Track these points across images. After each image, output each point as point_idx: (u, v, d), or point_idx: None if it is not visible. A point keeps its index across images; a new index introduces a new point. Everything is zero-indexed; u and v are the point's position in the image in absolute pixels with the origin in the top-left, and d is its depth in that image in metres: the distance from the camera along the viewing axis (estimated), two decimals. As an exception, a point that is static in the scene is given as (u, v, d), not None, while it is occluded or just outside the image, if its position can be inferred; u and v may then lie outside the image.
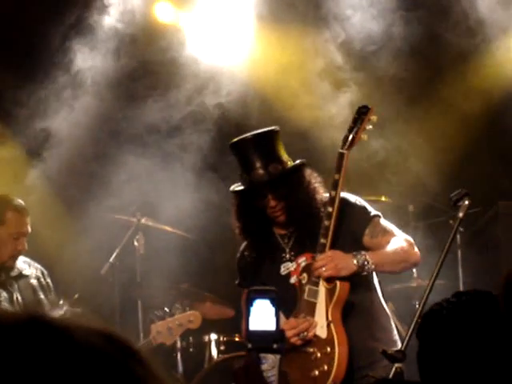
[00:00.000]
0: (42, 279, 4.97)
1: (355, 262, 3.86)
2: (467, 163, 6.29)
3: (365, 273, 3.89)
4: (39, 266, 5.03)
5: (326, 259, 3.88)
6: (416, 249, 4.09)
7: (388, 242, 4.01)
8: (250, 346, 2.03)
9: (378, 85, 6.13)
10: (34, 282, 4.91)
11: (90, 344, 0.71)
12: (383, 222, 4.10)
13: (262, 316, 2.04)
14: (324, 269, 3.88)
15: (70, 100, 6.42)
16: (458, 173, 6.08)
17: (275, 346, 2.01)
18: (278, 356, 2.01)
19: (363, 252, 3.90)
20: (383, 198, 5.95)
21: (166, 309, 5.28)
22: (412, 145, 6.28)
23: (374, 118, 4.05)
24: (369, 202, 4.28)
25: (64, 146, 6.51)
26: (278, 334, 2.04)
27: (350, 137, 3.99)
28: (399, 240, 4.03)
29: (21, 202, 4.86)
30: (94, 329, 0.74)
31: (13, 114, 6.31)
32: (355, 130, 4.00)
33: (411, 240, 4.09)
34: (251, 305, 2.06)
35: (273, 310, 2.05)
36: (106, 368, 0.70)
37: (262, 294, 2.08)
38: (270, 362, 1.99)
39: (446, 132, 6.31)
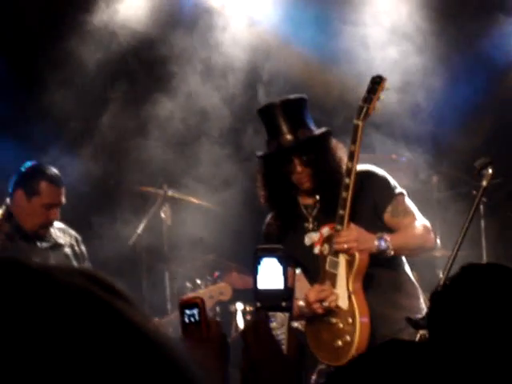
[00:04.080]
0: (76, 247, 4.96)
1: (377, 246, 3.90)
2: (493, 134, 6.27)
3: (381, 256, 3.93)
4: (74, 233, 5.00)
5: (349, 237, 3.91)
6: (432, 234, 4.13)
7: (407, 225, 4.03)
8: (258, 304, 2.02)
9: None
10: (67, 250, 4.89)
11: (69, 282, 0.70)
12: (407, 201, 4.11)
13: (270, 274, 2.03)
14: (345, 245, 3.92)
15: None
16: (482, 143, 6.07)
17: (284, 304, 1.99)
18: (287, 314, 2.00)
19: (387, 237, 3.92)
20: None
21: (197, 280, 5.34)
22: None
23: (387, 87, 4.06)
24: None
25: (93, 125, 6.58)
26: (287, 293, 2.01)
27: (365, 107, 4.00)
28: (418, 224, 4.05)
29: (56, 171, 4.80)
30: (75, 269, 0.73)
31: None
32: (369, 100, 4.01)
33: (429, 225, 4.10)
34: (259, 263, 2.03)
35: (280, 268, 2.02)
36: (85, 304, 0.68)
37: (270, 253, 2.05)
38: (278, 321, 1.98)
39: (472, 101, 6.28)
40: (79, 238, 5.03)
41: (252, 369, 1.89)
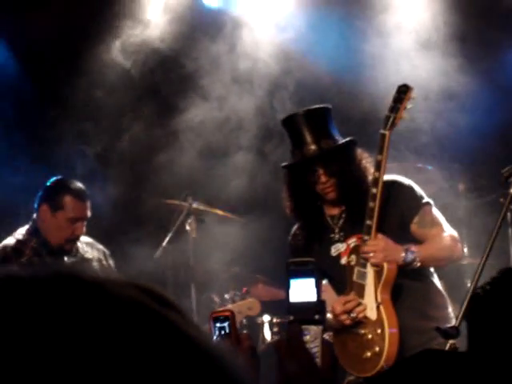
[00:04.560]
0: (104, 261, 4.97)
1: (403, 258, 3.88)
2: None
3: (407, 267, 3.90)
4: (102, 248, 5.01)
5: (376, 247, 3.88)
6: (460, 245, 4.12)
7: (435, 236, 4.01)
8: (291, 318, 2.03)
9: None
10: (95, 264, 4.90)
11: (123, 294, 0.69)
12: (434, 211, 4.08)
13: (302, 288, 2.04)
14: (372, 255, 3.89)
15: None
16: (510, 151, 6.02)
17: (317, 317, 2.00)
18: (320, 327, 1.99)
19: (414, 249, 3.89)
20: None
21: (225, 295, 5.33)
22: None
23: (414, 96, 4.04)
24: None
25: (117, 135, 6.61)
26: (319, 305, 2.03)
27: (392, 117, 3.99)
28: (445, 235, 4.03)
29: (80, 185, 4.81)
30: (126, 281, 0.73)
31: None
32: (396, 109, 3.99)
33: (456, 236, 4.09)
34: (291, 277, 2.05)
35: (312, 280, 2.04)
36: (140, 317, 0.68)
37: (302, 266, 2.07)
38: (312, 334, 1.97)
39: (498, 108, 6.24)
40: (107, 252, 5.04)
41: (287, 382, 1.88)
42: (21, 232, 4.81)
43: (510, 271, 2.02)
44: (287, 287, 2.06)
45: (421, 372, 1.31)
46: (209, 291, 5.66)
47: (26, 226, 4.84)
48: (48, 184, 4.84)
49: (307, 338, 1.96)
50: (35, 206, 4.82)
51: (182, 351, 0.69)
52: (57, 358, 0.64)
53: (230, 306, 5.15)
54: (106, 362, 0.65)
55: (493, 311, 1.93)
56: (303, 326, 1.98)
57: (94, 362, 0.64)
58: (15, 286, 0.69)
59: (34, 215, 4.83)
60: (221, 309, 4.99)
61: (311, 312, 2.02)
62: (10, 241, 4.77)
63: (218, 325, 2.09)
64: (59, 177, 4.92)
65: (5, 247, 4.74)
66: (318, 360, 1.96)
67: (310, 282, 2.05)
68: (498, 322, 1.91)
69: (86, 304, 0.68)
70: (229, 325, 2.08)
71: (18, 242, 4.74)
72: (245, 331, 5.66)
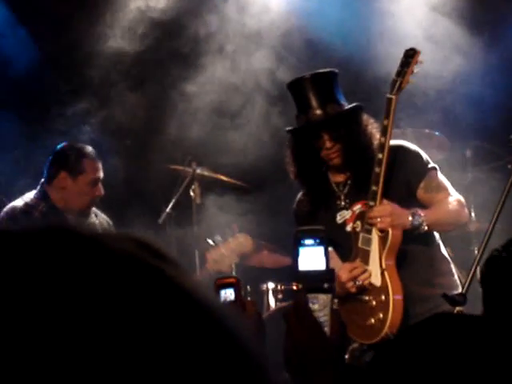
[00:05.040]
0: (108, 230, 4.97)
1: (411, 222, 3.85)
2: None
3: (415, 232, 3.86)
4: (105, 217, 5.06)
5: (383, 212, 3.85)
6: (466, 209, 4.11)
7: (441, 200, 3.99)
8: (297, 285, 2.02)
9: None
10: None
11: (118, 248, 0.69)
12: (440, 176, 4.06)
13: (311, 256, 2.03)
14: (379, 220, 3.86)
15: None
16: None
17: (326, 285, 1.99)
18: (329, 296, 1.98)
19: (421, 213, 3.87)
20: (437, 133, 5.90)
21: (217, 236, 5.28)
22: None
23: (421, 60, 3.98)
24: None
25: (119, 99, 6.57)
26: (328, 274, 2.02)
27: (398, 81, 3.94)
28: (452, 199, 4.01)
29: (91, 148, 4.86)
30: (123, 235, 0.73)
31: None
32: (403, 73, 3.94)
33: (462, 200, 4.07)
34: (299, 245, 2.03)
35: (322, 249, 2.03)
36: (136, 270, 0.68)
37: (310, 234, 2.05)
38: (320, 302, 1.96)
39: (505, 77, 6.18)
40: (110, 222, 5.09)
41: (295, 350, 1.87)
42: (29, 196, 4.84)
43: None
44: (296, 255, 2.05)
45: (435, 336, 1.27)
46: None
47: (34, 191, 4.86)
48: (59, 151, 4.86)
49: (316, 306, 1.96)
50: (46, 175, 4.83)
51: (179, 305, 0.68)
52: (48, 311, 0.63)
53: (222, 246, 5.08)
54: (100, 317, 0.64)
55: (509, 274, 1.90)
56: (312, 295, 1.97)
57: (88, 317, 0.63)
58: (5, 239, 0.68)
59: (42, 180, 4.85)
60: (213, 251, 5.00)
61: (320, 280, 2.01)
62: (18, 203, 4.81)
63: (223, 292, 2.10)
64: (66, 142, 4.94)
65: (13, 208, 4.78)
66: (326, 329, 1.96)
67: (319, 251, 2.04)
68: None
69: (80, 257, 0.67)
70: (234, 291, 2.08)
71: (27, 204, 4.77)
72: (248, 298, 5.65)
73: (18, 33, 6.51)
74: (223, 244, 5.10)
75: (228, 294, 2.10)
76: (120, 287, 0.66)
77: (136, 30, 6.41)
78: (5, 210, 4.79)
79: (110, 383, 0.62)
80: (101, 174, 4.82)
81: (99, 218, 5.01)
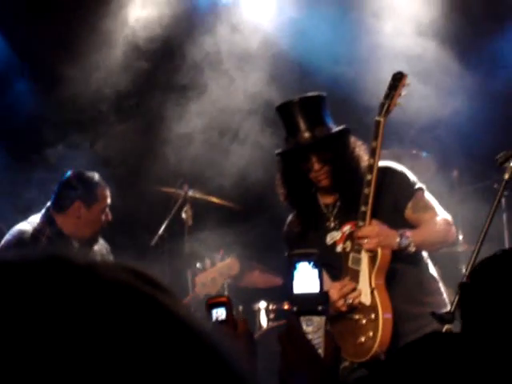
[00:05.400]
0: (106, 256, 5.02)
1: (398, 243, 3.90)
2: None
3: (403, 252, 3.92)
4: (104, 243, 5.07)
5: (371, 232, 3.90)
6: (454, 228, 4.14)
7: (429, 220, 4.03)
8: (295, 309, 2.04)
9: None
10: (98, 258, 4.95)
11: (113, 277, 0.69)
12: (427, 195, 4.11)
13: (306, 279, 2.06)
14: (366, 241, 3.91)
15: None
16: (502, 135, 6.03)
17: (320, 308, 2.02)
18: (323, 318, 2.01)
19: (408, 234, 3.92)
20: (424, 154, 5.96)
21: (206, 260, 5.33)
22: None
23: (408, 83, 4.06)
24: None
25: (111, 123, 6.61)
26: (322, 296, 2.05)
27: (386, 103, 4.00)
28: (439, 219, 4.05)
29: (98, 175, 4.88)
30: (118, 265, 0.73)
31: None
32: (391, 96, 4.01)
33: (450, 219, 4.11)
34: (294, 268, 2.06)
35: (316, 272, 2.06)
36: (131, 300, 0.68)
37: (304, 257, 2.08)
38: (315, 324, 1.99)
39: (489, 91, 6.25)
40: (108, 247, 5.10)
41: (289, 371, 1.90)
42: (35, 220, 4.84)
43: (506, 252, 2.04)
44: (290, 278, 2.07)
45: (428, 355, 1.32)
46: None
47: (39, 215, 4.86)
48: (70, 180, 4.84)
49: (310, 328, 1.98)
50: (57, 201, 4.82)
51: (173, 334, 0.68)
52: (45, 340, 0.64)
53: (210, 270, 5.14)
54: (96, 346, 0.64)
55: (482, 296, 1.95)
56: (306, 317, 2.00)
57: (84, 346, 0.64)
58: (6, 270, 0.69)
59: (48, 205, 4.85)
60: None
61: (314, 303, 2.04)
62: (25, 226, 4.79)
63: (214, 311, 2.10)
64: (75, 171, 4.92)
65: (22, 232, 4.76)
66: (320, 350, 1.98)
67: (313, 274, 2.06)
68: (489, 307, 1.93)
69: (76, 287, 0.67)
70: (226, 310, 2.10)
71: (35, 230, 4.77)
72: (241, 315, 5.68)
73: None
74: (211, 268, 5.16)
75: (219, 314, 2.10)
76: (113, 316, 0.66)
77: (126, 60, 6.46)
78: (12, 233, 4.77)
79: None
80: (109, 201, 4.86)
81: (99, 245, 5.03)
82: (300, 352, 1.92)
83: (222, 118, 6.46)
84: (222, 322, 2.08)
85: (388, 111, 4.00)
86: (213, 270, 5.13)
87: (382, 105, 4.01)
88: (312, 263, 2.07)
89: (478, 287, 1.97)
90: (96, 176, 4.86)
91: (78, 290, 0.67)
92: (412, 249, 3.92)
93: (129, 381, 0.64)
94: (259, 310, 5.85)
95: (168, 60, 6.70)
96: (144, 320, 0.68)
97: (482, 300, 1.94)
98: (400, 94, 4.03)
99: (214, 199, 5.99)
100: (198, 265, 5.29)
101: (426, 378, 1.28)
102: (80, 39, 6.42)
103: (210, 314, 2.08)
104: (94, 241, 4.91)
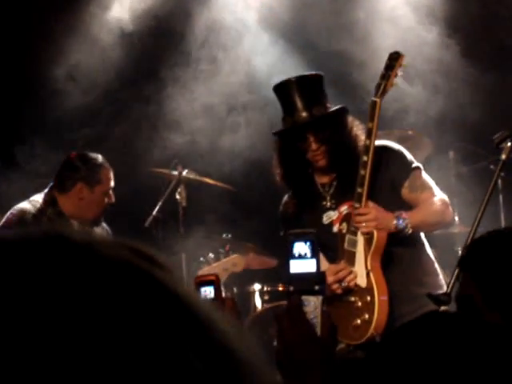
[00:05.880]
0: None
1: (395, 225, 3.88)
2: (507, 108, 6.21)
3: (400, 234, 3.90)
4: (105, 226, 5.06)
5: (368, 215, 3.88)
6: (450, 208, 4.11)
7: (425, 200, 4.00)
8: (291, 289, 2.04)
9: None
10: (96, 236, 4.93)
11: (111, 254, 0.70)
12: (424, 175, 4.08)
13: (302, 259, 2.05)
14: (364, 224, 3.89)
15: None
16: (499, 117, 6.01)
17: (317, 287, 2.01)
18: (320, 298, 2.00)
19: (405, 216, 3.89)
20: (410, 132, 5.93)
21: (210, 254, 5.32)
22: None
23: (404, 63, 4.02)
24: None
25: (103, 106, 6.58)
26: (319, 276, 2.04)
27: (383, 84, 3.97)
28: (436, 199, 4.03)
29: (101, 156, 4.84)
30: (116, 242, 0.73)
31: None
32: (387, 76, 3.98)
33: (447, 199, 4.08)
34: (291, 248, 2.06)
35: (313, 251, 2.05)
36: (128, 276, 0.69)
37: (301, 237, 2.07)
38: (312, 305, 1.98)
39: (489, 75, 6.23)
40: (110, 230, 5.07)
41: (287, 352, 1.89)
42: (37, 199, 4.81)
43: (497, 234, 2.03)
44: (287, 258, 2.06)
45: (427, 335, 1.29)
46: (199, 258, 5.65)
47: (40, 194, 4.83)
48: (73, 161, 4.80)
49: (307, 308, 1.97)
50: (60, 182, 4.79)
51: (170, 309, 0.69)
52: (43, 316, 0.64)
53: (214, 265, 5.13)
54: (94, 322, 0.65)
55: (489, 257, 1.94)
56: (303, 297, 1.99)
57: (82, 322, 0.65)
58: (4, 247, 0.69)
59: (51, 184, 4.82)
60: (205, 270, 5.01)
61: (311, 283, 2.02)
62: (27, 205, 4.76)
63: (202, 289, 2.11)
64: (77, 153, 4.88)
65: (23, 212, 4.72)
66: (317, 330, 1.97)
67: (310, 253, 2.05)
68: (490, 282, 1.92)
69: (74, 264, 0.68)
70: (214, 289, 2.09)
71: (37, 209, 4.75)
72: (229, 294, 5.66)
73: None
74: (215, 263, 5.14)
75: (208, 292, 2.11)
76: (111, 292, 0.67)
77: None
78: (13, 211, 4.73)
79: (102, 376, 0.63)
80: (113, 183, 4.83)
81: (100, 228, 5.00)
82: (299, 331, 1.91)
83: (218, 99, 6.43)
84: (210, 300, 2.07)
85: (384, 92, 3.97)
86: (216, 265, 5.12)
87: (379, 85, 3.98)
88: (309, 243, 2.06)
89: (478, 263, 1.96)
90: (99, 157, 4.82)
91: (76, 267, 0.68)
92: (409, 230, 3.90)
93: (126, 354, 0.64)
94: (254, 291, 5.84)
95: (161, 39, 6.65)
96: (141, 296, 0.68)
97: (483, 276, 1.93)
98: (397, 75, 4.00)
99: (209, 180, 5.97)
100: (201, 258, 5.27)
101: (422, 358, 1.25)
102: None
103: (199, 292, 2.08)
104: (96, 223, 4.88)
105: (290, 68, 5.69)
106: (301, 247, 2.06)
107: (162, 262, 0.74)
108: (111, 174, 4.82)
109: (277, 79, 4.15)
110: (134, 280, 0.69)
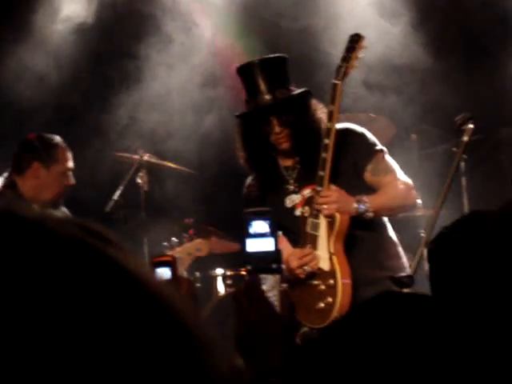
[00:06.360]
0: None
1: (356, 209, 3.88)
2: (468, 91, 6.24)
3: (360, 218, 3.89)
4: (65, 209, 4.97)
5: (329, 198, 3.87)
6: (414, 192, 4.10)
7: (388, 183, 4.00)
8: (248, 267, 2.05)
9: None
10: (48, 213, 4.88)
11: (61, 231, 0.70)
12: (387, 158, 4.07)
13: (260, 237, 2.06)
14: (325, 207, 3.88)
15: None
16: (460, 99, 6.03)
17: (274, 266, 2.03)
18: (278, 276, 2.02)
19: (366, 200, 3.89)
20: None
21: (174, 239, 5.29)
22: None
23: (365, 45, 4.00)
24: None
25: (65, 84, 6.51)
26: (276, 255, 2.06)
27: (343, 66, 3.95)
28: (399, 183, 4.02)
29: (59, 137, 4.78)
30: (68, 219, 0.73)
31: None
32: (348, 58, 3.96)
33: (410, 183, 4.08)
34: (248, 227, 2.07)
35: (269, 230, 2.06)
36: (79, 253, 0.68)
37: (258, 216, 2.09)
38: (269, 283, 2.00)
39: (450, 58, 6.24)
40: (70, 215, 5.00)
41: (246, 330, 1.89)
42: None
43: (472, 215, 2.01)
44: (244, 237, 2.07)
45: (382, 315, 1.27)
46: (161, 242, 5.62)
47: (1, 178, 4.78)
48: (28, 141, 4.75)
49: (265, 287, 1.98)
50: (16, 163, 4.72)
51: (122, 286, 0.68)
52: None
53: (178, 249, 5.09)
54: (43, 300, 0.64)
55: (458, 254, 1.92)
56: (261, 275, 1.99)
57: (30, 300, 0.64)
58: None
59: (10, 169, 4.76)
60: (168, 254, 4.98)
61: (268, 261, 2.04)
62: None
63: (159, 270, 2.10)
64: (35, 133, 4.82)
65: None
66: (276, 308, 1.99)
67: (267, 232, 2.06)
68: (460, 265, 1.90)
69: (23, 241, 0.67)
70: (170, 270, 2.09)
71: None
72: (197, 284, 5.64)
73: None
74: (178, 247, 5.10)
75: (164, 273, 2.10)
76: (61, 269, 0.66)
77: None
78: None
79: (55, 361, 0.62)
80: (72, 164, 4.76)
81: (59, 211, 4.93)
82: (258, 309, 1.91)
83: (179, 82, 6.39)
84: (166, 280, 2.06)
85: (345, 74, 3.96)
86: (180, 249, 5.08)
87: (339, 67, 3.96)
88: (266, 221, 2.07)
89: (447, 251, 1.94)
90: (57, 137, 4.77)
91: (26, 243, 0.67)
92: (370, 214, 3.90)
93: (78, 333, 0.64)
94: (216, 276, 5.83)
95: (121, 23, 6.59)
96: (93, 273, 0.68)
97: (451, 264, 1.91)
98: (357, 57, 3.98)
99: (170, 164, 5.93)
100: (164, 243, 5.22)
101: (379, 337, 1.23)
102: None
103: (155, 273, 2.07)
104: (55, 206, 4.81)
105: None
106: (258, 226, 2.07)
107: (114, 239, 0.73)
108: (69, 155, 4.76)
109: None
110: (85, 256, 0.68)
